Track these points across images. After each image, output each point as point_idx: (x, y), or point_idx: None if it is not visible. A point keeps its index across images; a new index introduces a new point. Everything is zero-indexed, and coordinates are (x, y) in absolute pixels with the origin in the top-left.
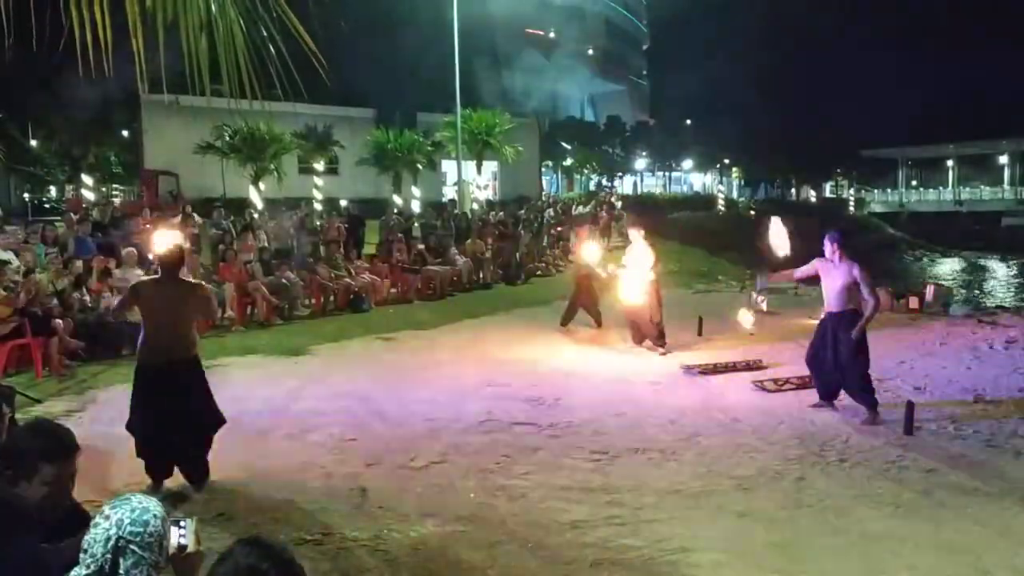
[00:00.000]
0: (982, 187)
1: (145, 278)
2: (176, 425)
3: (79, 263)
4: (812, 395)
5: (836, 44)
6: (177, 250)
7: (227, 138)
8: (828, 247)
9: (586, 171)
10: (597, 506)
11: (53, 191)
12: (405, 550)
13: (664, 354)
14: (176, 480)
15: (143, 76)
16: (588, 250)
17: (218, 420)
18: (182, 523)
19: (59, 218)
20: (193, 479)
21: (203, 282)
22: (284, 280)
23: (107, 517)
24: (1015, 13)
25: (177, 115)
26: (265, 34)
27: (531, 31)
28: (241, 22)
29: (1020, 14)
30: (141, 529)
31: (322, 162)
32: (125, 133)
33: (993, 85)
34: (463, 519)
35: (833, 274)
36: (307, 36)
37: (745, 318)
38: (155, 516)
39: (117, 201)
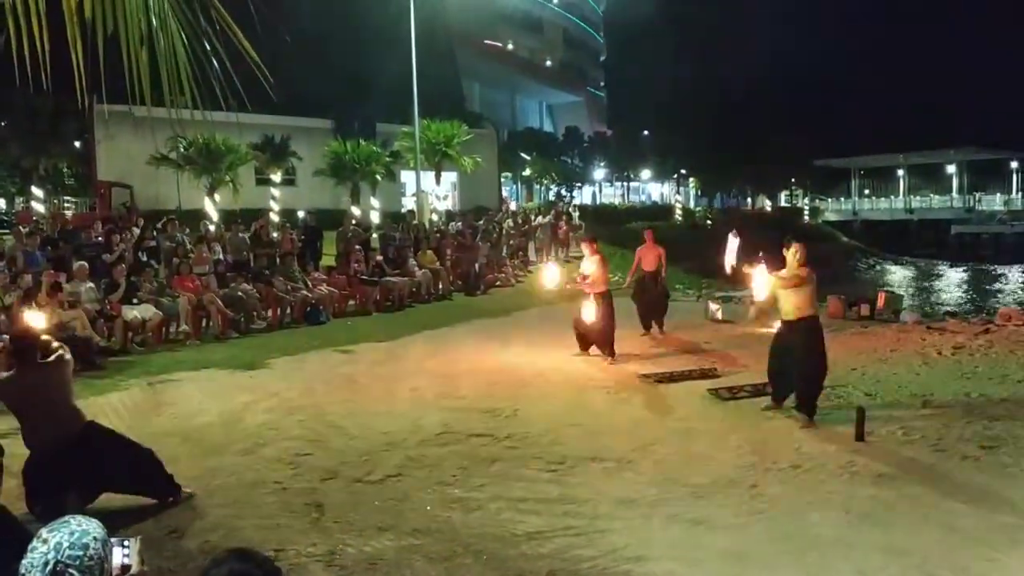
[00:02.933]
0: (932, 196)
1: (2, 377)
2: (105, 484)
3: (28, 277)
4: (766, 402)
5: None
6: (26, 333)
7: (182, 149)
8: (799, 253)
9: (545, 181)
10: (553, 516)
11: (2, 203)
12: (361, 565)
13: (612, 363)
14: (125, 500)
15: (84, 87)
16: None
17: (147, 458)
18: (126, 543)
19: (7, 231)
20: (162, 500)
21: (55, 345)
22: (239, 293)
23: (45, 541)
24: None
25: (131, 126)
26: (208, 47)
27: (489, 42)
28: (183, 35)
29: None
30: (81, 552)
31: (279, 173)
32: (77, 144)
33: (940, 95)
34: (419, 532)
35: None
36: (250, 48)
37: (712, 308)
38: (95, 538)
39: (69, 213)
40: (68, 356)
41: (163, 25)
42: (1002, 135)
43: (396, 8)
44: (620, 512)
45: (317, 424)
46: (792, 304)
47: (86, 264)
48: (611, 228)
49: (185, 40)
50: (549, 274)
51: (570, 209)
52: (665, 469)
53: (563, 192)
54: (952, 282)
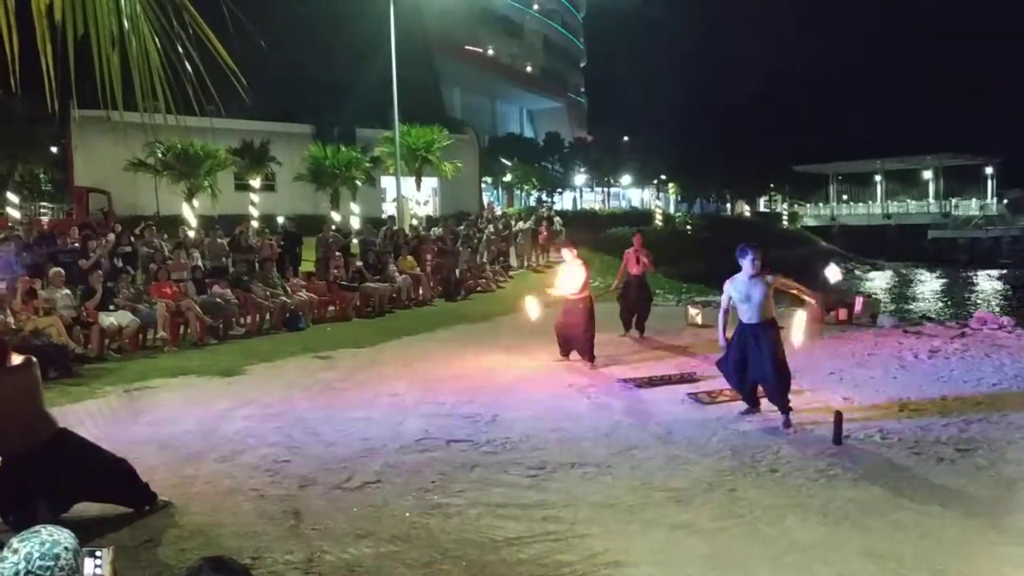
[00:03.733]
0: (909, 201)
1: None
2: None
3: (2, 284)
4: (745, 406)
5: (772, 63)
6: None
7: (160, 155)
8: (750, 260)
9: (526, 187)
10: (533, 522)
11: None
12: (339, 572)
13: (593, 368)
14: (100, 509)
15: (54, 92)
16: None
17: (121, 467)
18: (98, 553)
19: None
20: (138, 509)
21: (24, 358)
22: (218, 299)
23: (15, 551)
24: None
25: (108, 131)
26: (181, 50)
27: (470, 48)
28: (156, 38)
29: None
30: (51, 563)
31: (259, 179)
32: (54, 149)
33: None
34: (398, 539)
35: (754, 287)
36: (223, 51)
37: (692, 312)
38: (66, 548)
39: (46, 219)
40: (36, 365)
41: (135, 28)
42: (977, 141)
43: (376, 13)
44: (599, 517)
45: (295, 431)
46: (765, 307)
47: (62, 270)
48: (592, 233)
49: (158, 43)
50: (531, 308)
51: (551, 215)
52: (644, 474)
53: (544, 198)
54: (929, 287)
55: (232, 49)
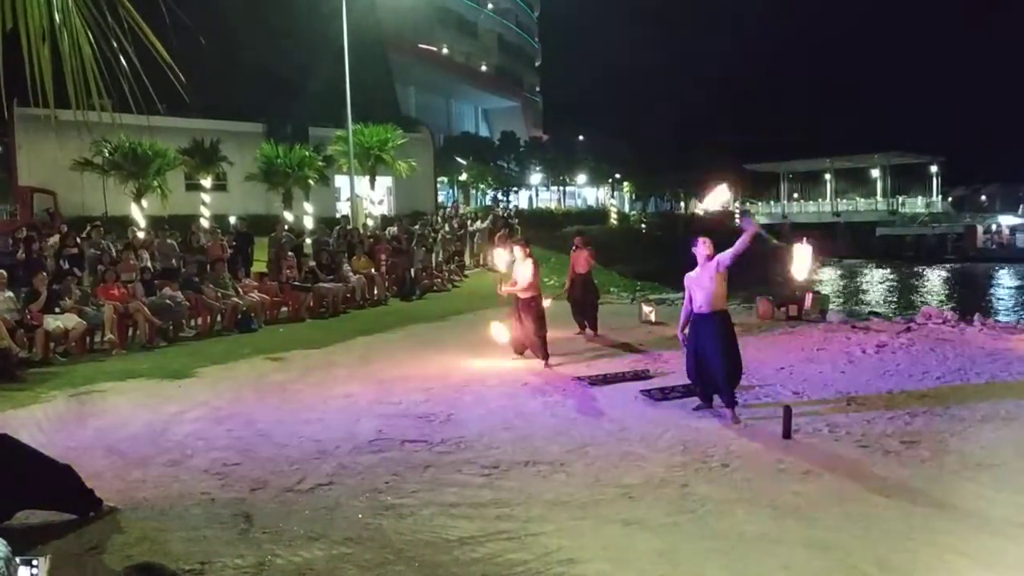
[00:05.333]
0: (858, 199)
1: None
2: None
3: None
4: (697, 402)
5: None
6: None
7: (107, 154)
8: (703, 250)
9: (482, 186)
10: (486, 521)
11: None
12: (290, 575)
13: (547, 367)
14: (45, 516)
15: None
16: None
17: (63, 473)
18: (34, 562)
19: None
20: (83, 516)
21: None
22: (167, 300)
23: None
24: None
25: (53, 130)
26: (116, 45)
27: (424, 46)
28: (89, 32)
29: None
30: None
31: (209, 178)
32: None
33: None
34: (350, 541)
35: (705, 273)
36: (160, 46)
37: (646, 310)
38: None
39: None
40: None
41: (66, 21)
42: (923, 139)
43: (328, 10)
44: (553, 515)
45: (246, 433)
46: (721, 294)
47: (4, 272)
48: (547, 232)
49: (91, 38)
50: (496, 333)
51: (511, 220)
52: (598, 471)
53: (499, 196)
54: (877, 282)
55: (178, 47)
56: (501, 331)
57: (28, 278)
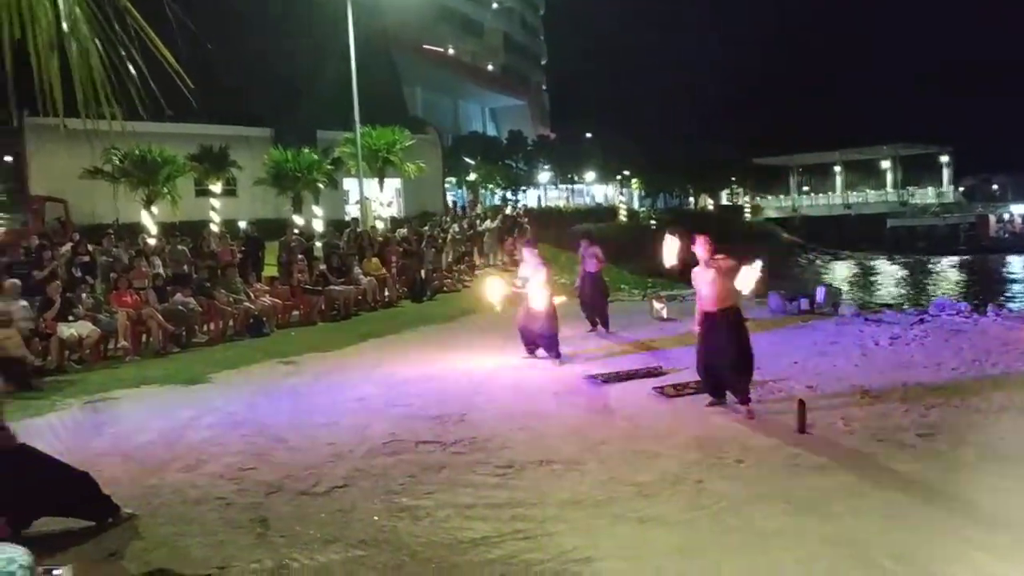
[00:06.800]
0: (868, 191)
1: None
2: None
3: None
4: (710, 398)
5: (732, 58)
6: None
7: (117, 162)
8: (700, 246)
9: (490, 186)
10: (502, 521)
11: None
12: None
13: (559, 365)
14: (64, 523)
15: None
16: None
17: (81, 480)
18: (56, 571)
19: None
20: (101, 523)
21: None
22: (180, 306)
23: None
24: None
25: (64, 139)
26: (124, 53)
27: (429, 47)
28: (97, 41)
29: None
30: None
31: (219, 184)
32: (8, 159)
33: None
34: (366, 543)
35: (708, 272)
36: (168, 53)
37: (657, 306)
38: (21, 566)
39: (1, 230)
40: None
41: (74, 30)
42: (932, 129)
43: (333, 14)
44: (568, 514)
45: (261, 438)
46: (726, 291)
47: (18, 281)
48: (556, 231)
49: (99, 46)
50: (491, 288)
51: (521, 219)
52: (612, 469)
53: (508, 196)
54: (889, 274)
55: (186, 54)
56: (495, 288)
57: (41, 287)
